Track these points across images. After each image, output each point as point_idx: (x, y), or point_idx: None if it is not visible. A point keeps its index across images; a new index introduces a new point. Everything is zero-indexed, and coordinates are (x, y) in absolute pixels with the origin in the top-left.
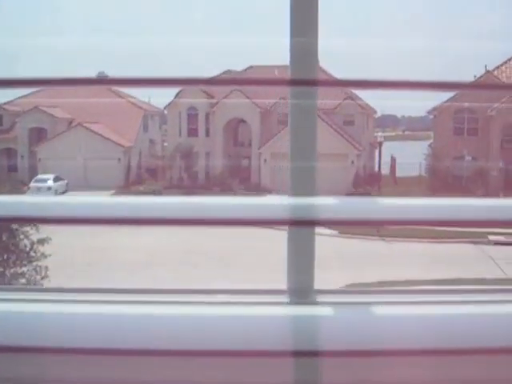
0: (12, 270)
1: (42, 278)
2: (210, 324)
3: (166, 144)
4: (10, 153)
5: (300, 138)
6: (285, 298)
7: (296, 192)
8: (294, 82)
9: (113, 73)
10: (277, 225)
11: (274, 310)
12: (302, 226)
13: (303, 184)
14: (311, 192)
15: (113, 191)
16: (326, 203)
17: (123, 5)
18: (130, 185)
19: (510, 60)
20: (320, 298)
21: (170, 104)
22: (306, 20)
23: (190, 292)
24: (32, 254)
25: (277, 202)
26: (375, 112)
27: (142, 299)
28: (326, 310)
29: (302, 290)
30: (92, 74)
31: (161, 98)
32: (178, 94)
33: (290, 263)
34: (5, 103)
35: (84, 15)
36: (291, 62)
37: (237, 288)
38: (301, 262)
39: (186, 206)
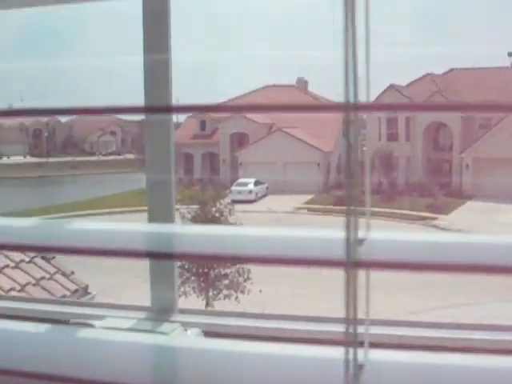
0: (216, 271)
1: (245, 280)
2: None
3: (365, 148)
4: (212, 157)
5: None
6: None
7: None
8: None
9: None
10: None
11: None
12: None
13: None
14: None
15: (312, 195)
16: None
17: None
18: (329, 189)
19: None
20: None
21: None
22: None
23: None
24: None
25: None
26: None
27: None
28: None
29: None
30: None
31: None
32: (377, 98)
33: None
34: None
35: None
36: None
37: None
38: None
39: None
